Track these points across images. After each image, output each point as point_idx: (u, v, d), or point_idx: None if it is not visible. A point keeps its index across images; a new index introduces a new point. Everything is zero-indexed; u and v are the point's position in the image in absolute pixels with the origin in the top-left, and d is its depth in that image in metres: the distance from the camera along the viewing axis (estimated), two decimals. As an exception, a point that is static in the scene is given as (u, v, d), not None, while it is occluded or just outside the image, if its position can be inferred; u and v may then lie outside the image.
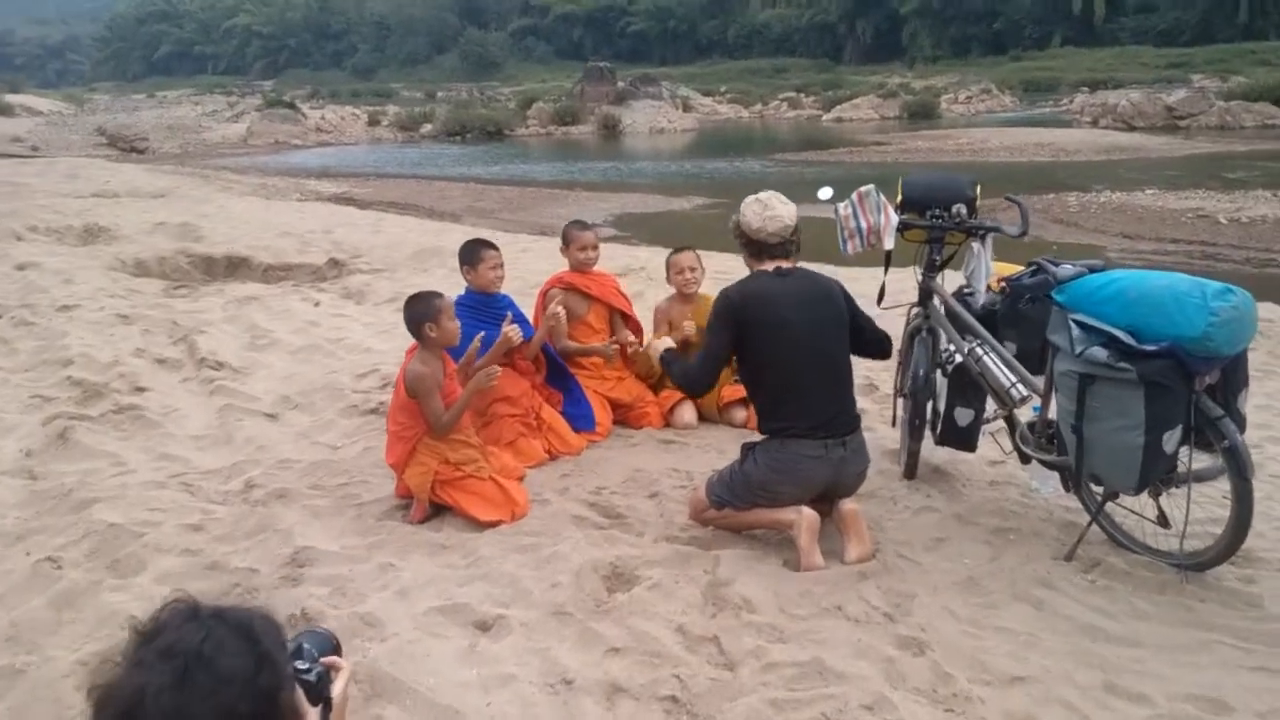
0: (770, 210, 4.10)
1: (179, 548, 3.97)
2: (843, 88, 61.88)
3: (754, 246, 4.15)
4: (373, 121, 51.07)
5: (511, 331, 4.81)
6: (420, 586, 3.69)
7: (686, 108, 55.70)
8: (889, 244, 4.56)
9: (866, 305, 4.42)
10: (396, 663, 3.17)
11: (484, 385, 4.44)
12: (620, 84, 54.91)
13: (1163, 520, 3.86)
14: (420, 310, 4.32)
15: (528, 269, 9.17)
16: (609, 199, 22.02)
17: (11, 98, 54.81)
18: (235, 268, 10.39)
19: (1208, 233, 14.86)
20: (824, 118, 53.09)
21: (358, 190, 23.40)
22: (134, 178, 20.57)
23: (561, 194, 23.14)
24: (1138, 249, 14.26)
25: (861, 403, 5.89)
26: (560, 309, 5.18)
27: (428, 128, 48.28)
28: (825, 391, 4.00)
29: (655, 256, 10.34)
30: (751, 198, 4.18)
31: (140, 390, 5.92)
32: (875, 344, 4.33)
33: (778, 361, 3.97)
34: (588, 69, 59.10)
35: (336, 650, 2.06)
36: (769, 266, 4.12)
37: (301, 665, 1.91)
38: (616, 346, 5.53)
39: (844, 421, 4.02)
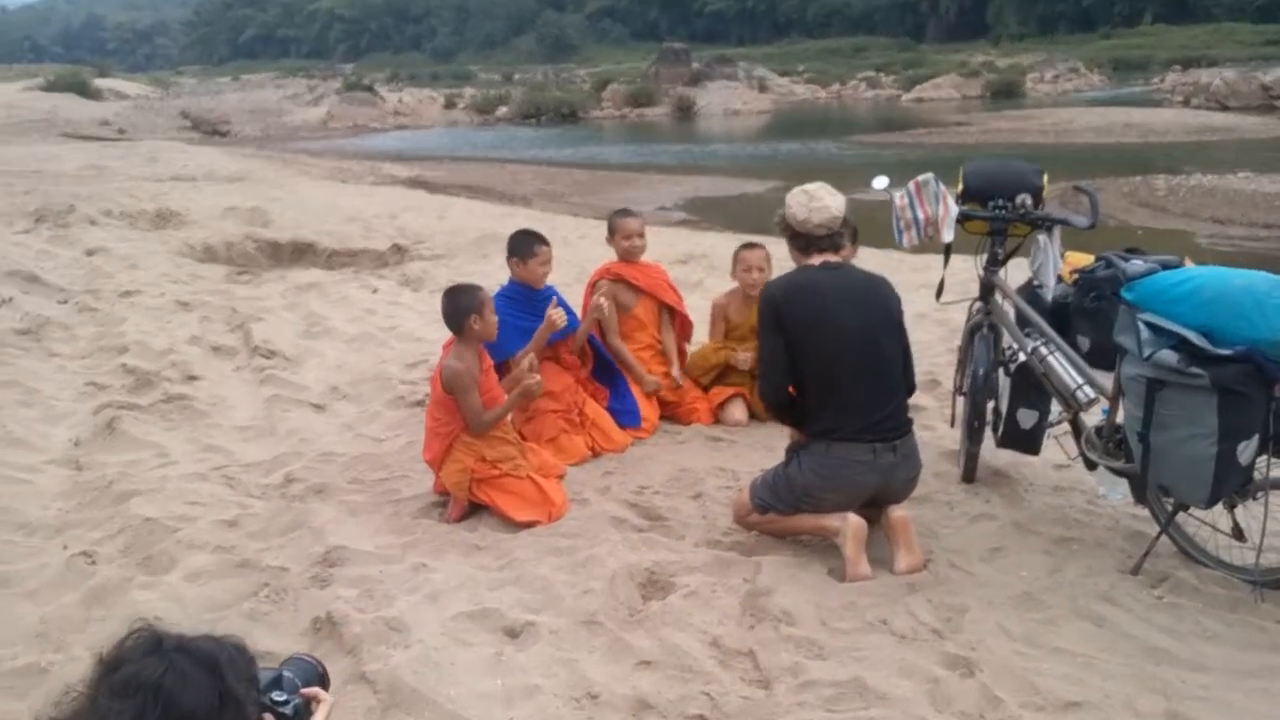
0: (817, 201, 3.91)
1: (212, 544, 3.92)
2: (924, 67, 60.61)
3: (800, 240, 3.96)
4: (449, 104, 51.40)
5: (555, 314, 4.71)
6: (451, 590, 3.59)
7: (763, 88, 55.09)
8: (948, 236, 4.32)
9: (925, 295, 4.21)
10: (419, 672, 3.07)
11: (532, 395, 4.33)
12: (695, 65, 54.54)
13: (1238, 533, 3.61)
14: (465, 302, 4.21)
15: (586, 255, 9.05)
16: (681, 182, 21.83)
17: (100, 82, 56.10)
18: (301, 253, 10.42)
19: (1304, 219, 14.22)
20: (903, 98, 52.14)
21: (431, 173, 23.51)
22: (212, 161, 20.90)
23: (633, 177, 23.01)
24: (1228, 234, 13.70)
25: (922, 399, 5.72)
26: (604, 300, 5.05)
27: (503, 110, 48.43)
28: (874, 393, 3.79)
29: (721, 244, 10.16)
30: (798, 189, 3.99)
31: (191, 379, 5.92)
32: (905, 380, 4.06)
33: (823, 360, 3.78)
34: (663, 50, 58.80)
35: (323, 680, 1.96)
36: (816, 261, 3.93)
37: (279, 696, 1.82)
38: (657, 383, 5.36)
39: (894, 425, 3.82)
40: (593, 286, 5.37)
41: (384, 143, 36.04)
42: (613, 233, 5.44)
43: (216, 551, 3.88)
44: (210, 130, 40.42)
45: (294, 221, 11.69)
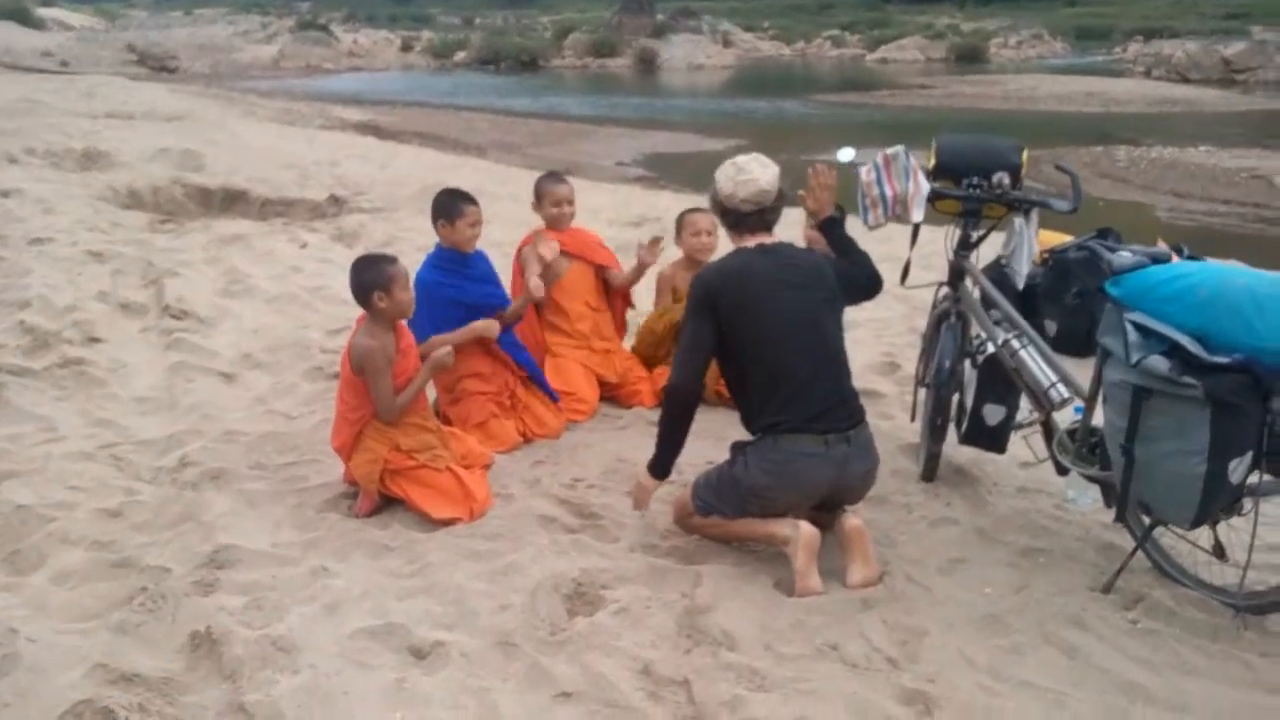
0: (744, 174, 3.55)
1: (89, 539, 3.50)
2: (889, 27, 60.06)
3: (730, 217, 3.61)
4: (406, 47, 50.27)
5: (534, 286, 4.49)
6: (353, 600, 3.21)
7: (727, 43, 54.35)
8: (917, 216, 3.95)
9: (889, 270, 3.86)
10: (305, 705, 2.69)
11: (443, 367, 3.92)
12: (659, 17, 53.69)
13: (1219, 551, 3.31)
14: (370, 277, 3.77)
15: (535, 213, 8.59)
16: (639, 137, 21.36)
17: (44, 11, 54.10)
18: (232, 201, 9.87)
19: (1263, 194, 14.08)
20: (868, 58, 51.66)
21: (383, 119, 22.81)
22: (153, 98, 20.05)
23: (591, 130, 22.50)
24: (1187, 209, 13.53)
25: (881, 384, 5.38)
26: (552, 245, 4.69)
27: (461, 55, 47.46)
28: (822, 380, 3.45)
29: (676, 205, 9.73)
30: (728, 161, 3.64)
31: (93, 341, 5.43)
32: (866, 280, 3.77)
33: (765, 348, 3.43)
34: (626, 1, 57.77)
35: None
36: (750, 243, 3.58)
37: None
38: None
39: (845, 413, 3.48)
40: (520, 255, 4.94)
41: (337, 85, 35.08)
42: (540, 198, 5.01)
43: (93, 548, 3.46)
44: (157, 66, 39.15)
45: (228, 166, 11.11)
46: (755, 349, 3.45)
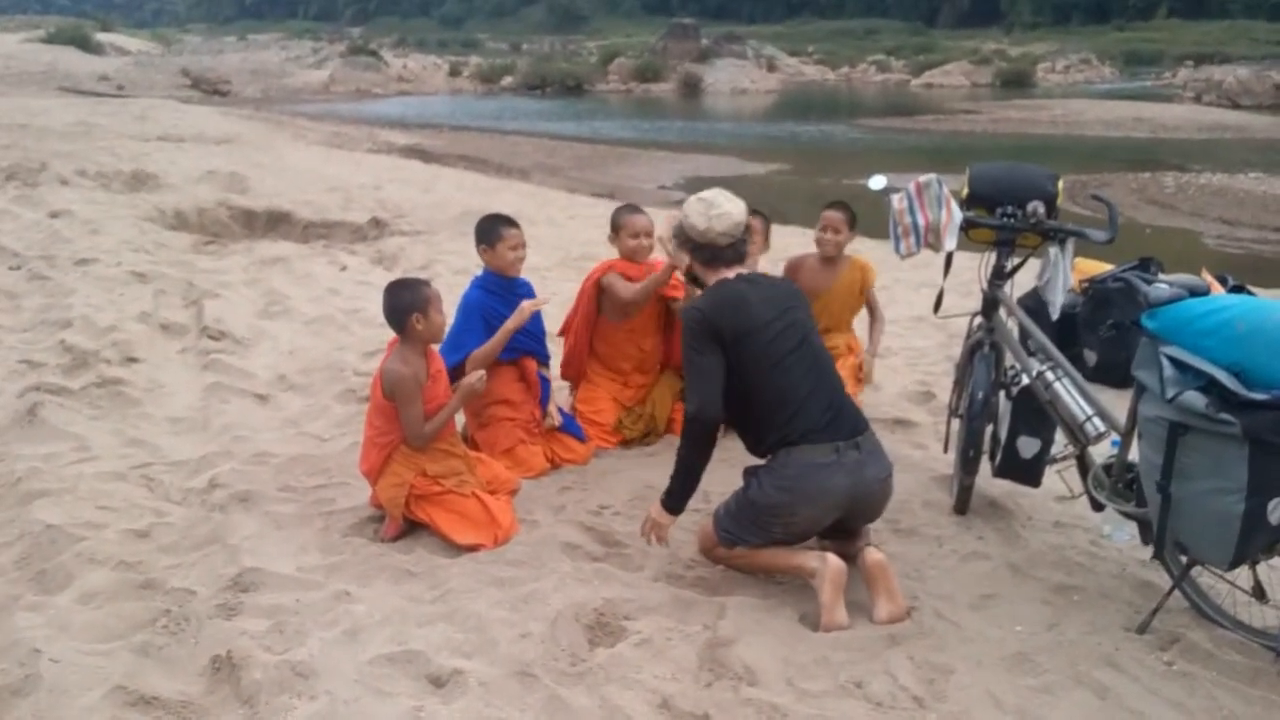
0: (717, 209, 3.60)
1: (115, 559, 3.51)
2: (935, 52, 59.91)
3: (705, 252, 3.64)
4: (454, 72, 50.86)
5: (527, 305, 4.36)
6: (374, 625, 3.19)
7: (771, 68, 54.46)
8: (950, 245, 3.90)
9: (926, 296, 3.82)
10: (321, 731, 2.68)
11: (474, 394, 3.92)
12: (704, 42, 53.94)
13: (1259, 592, 3.21)
14: (408, 299, 3.78)
15: (573, 238, 8.62)
16: (682, 160, 21.42)
17: (102, 36, 55.41)
18: (276, 223, 9.99)
19: (1315, 223, 13.83)
20: (912, 83, 51.57)
21: (429, 142, 23.07)
22: (203, 121, 20.43)
23: (635, 153, 22.60)
24: (1237, 236, 13.31)
25: (915, 413, 5.32)
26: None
27: (508, 80, 47.94)
28: (821, 393, 3.46)
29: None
30: (694, 197, 3.69)
31: (131, 361, 5.49)
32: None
33: (768, 371, 3.44)
34: (672, 26, 58.16)
35: None
36: (729, 274, 3.62)
37: None
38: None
39: (848, 421, 3.47)
40: (596, 286, 4.78)
41: (385, 109, 35.56)
42: (617, 230, 4.82)
43: (119, 568, 3.47)
44: (210, 90, 39.91)
45: (273, 189, 11.25)
46: (760, 373, 3.44)
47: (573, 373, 4.93)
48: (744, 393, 3.48)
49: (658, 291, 4.69)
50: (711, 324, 3.47)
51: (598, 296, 4.78)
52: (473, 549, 3.71)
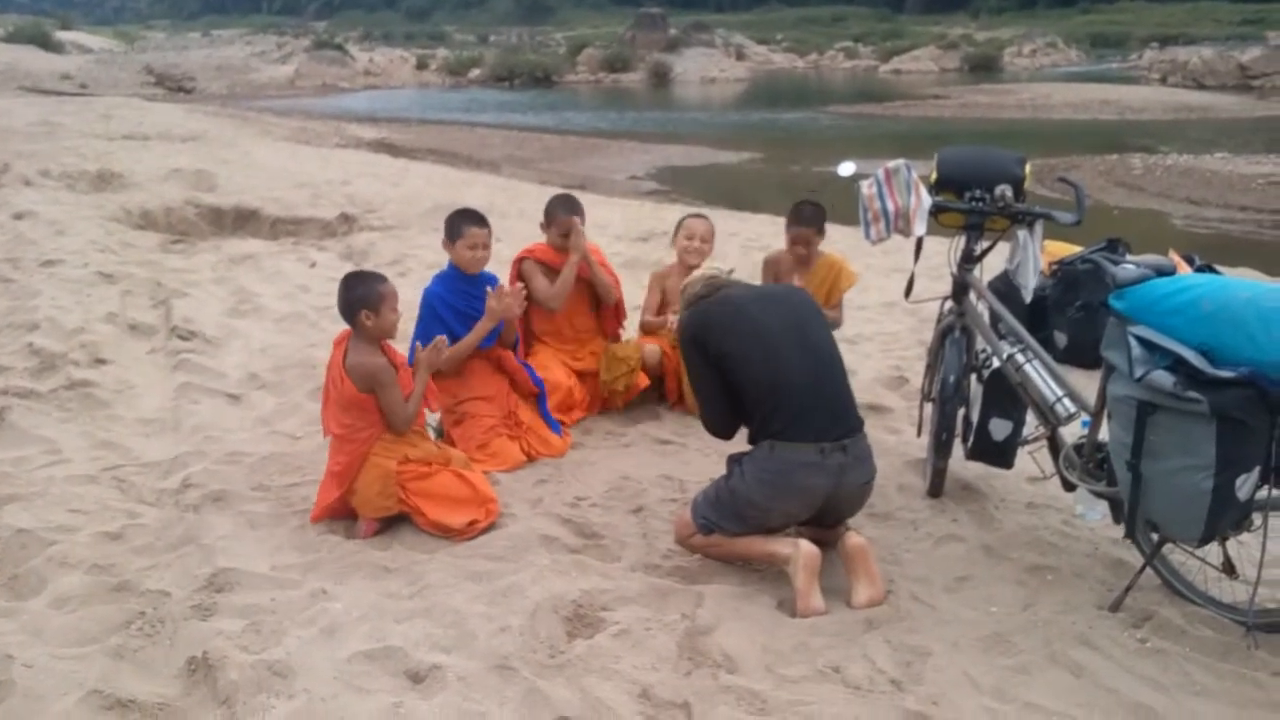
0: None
1: (89, 562, 3.48)
2: (902, 38, 60.16)
3: None
4: (421, 65, 50.57)
5: (494, 302, 4.35)
6: (352, 623, 3.18)
7: (740, 56, 54.49)
8: (920, 230, 3.92)
9: (897, 281, 3.85)
10: (300, 729, 2.66)
11: (436, 362, 3.92)
12: (673, 31, 53.89)
13: (1229, 567, 3.24)
14: (361, 294, 3.75)
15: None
16: (652, 150, 21.42)
17: (63, 34, 54.71)
18: (244, 220, 9.90)
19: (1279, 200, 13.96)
20: (881, 69, 51.74)
21: (398, 136, 22.95)
22: (168, 119, 20.20)
23: (604, 144, 22.58)
24: (1204, 216, 13.44)
25: (888, 398, 5.34)
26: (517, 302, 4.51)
27: (475, 72, 47.75)
28: (817, 387, 3.45)
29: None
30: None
31: (99, 363, 5.43)
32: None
33: (760, 362, 3.45)
34: (640, 15, 58.02)
35: None
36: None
37: None
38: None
39: (843, 422, 3.46)
40: (519, 268, 4.98)
41: (352, 103, 35.32)
42: (550, 223, 4.94)
43: (92, 571, 3.43)
44: (175, 87, 39.55)
45: (241, 186, 11.15)
46: (751, 365, 3.45)
47: (523, 351, 4.95)
48: (739, 386, 3.50)
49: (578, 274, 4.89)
50: (697, 328, 3.57)
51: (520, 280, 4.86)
52: (469, 526, 3.74)
